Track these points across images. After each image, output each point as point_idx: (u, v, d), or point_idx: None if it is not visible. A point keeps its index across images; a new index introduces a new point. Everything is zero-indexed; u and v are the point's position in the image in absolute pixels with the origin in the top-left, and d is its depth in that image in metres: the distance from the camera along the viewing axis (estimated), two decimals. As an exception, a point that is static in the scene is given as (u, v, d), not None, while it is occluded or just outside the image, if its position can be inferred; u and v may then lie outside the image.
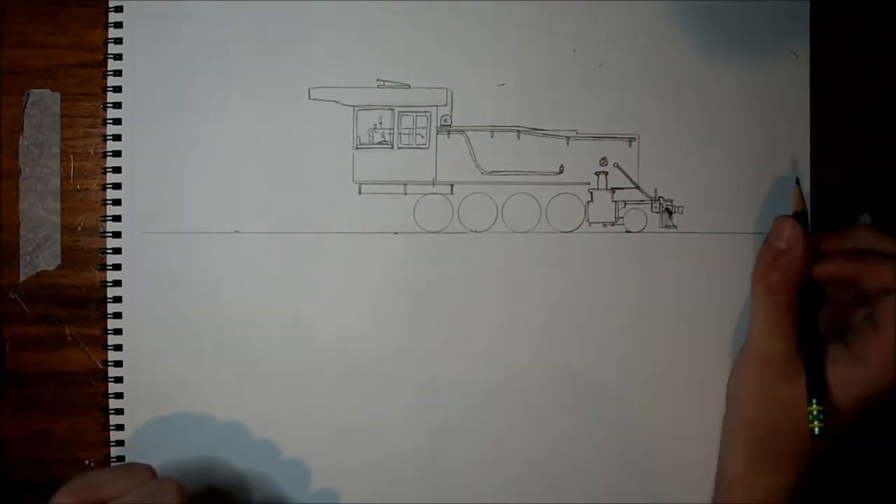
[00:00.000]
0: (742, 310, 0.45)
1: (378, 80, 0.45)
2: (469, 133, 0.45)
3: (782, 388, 0.39)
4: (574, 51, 0.45)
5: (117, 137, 0.45)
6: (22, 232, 0.46)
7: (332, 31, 0.45)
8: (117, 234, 0.45)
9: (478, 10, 0.45)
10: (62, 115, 0.45)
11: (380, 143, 0.45)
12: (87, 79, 0.45)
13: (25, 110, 0.45)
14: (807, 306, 0.40)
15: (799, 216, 0.41)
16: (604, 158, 0.46)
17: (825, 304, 0.43)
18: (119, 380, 0.45)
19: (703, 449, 0.45)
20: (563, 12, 0.45)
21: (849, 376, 0.39)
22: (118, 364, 0.45)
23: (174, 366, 0.45)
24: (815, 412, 0.38)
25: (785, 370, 0.39)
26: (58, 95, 0.45)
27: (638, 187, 0.46)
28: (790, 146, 0.45)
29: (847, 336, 0.40)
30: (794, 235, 0.40)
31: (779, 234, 0.40)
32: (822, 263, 0.40)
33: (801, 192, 0.42)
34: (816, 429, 0.37)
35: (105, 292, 0.45)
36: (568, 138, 0.45)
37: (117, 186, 0.45)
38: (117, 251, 0.45)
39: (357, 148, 0.45)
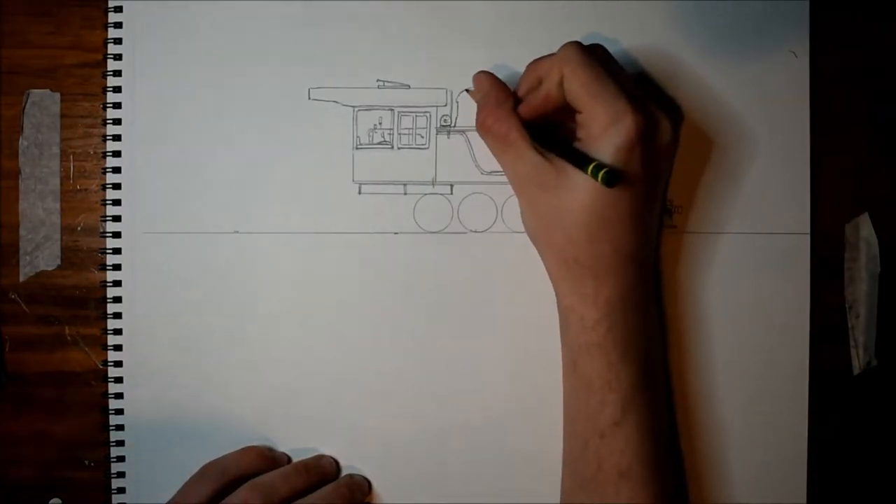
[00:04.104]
0: (741, 309, 0.45)
1: (378, 80, 0.45)
2: (469, 133, 0.45)
3: (550, 199, 0.40)
4: (574, 51, 0.45)
5: (117, 137, 0.45)
6: (22, 232, 0.46)
7: (332, 31, 0.45)
8: (117, 234, 0.45)
9: (478, 10, 0.45)
10: (62, 115, 0.45)
11: (380, 143, 0.45)
12: (86, 79, 0.45)
13: (25, 110, 0.45)
14: (534, 129, 0.41)
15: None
16: (604, 158, 0.46)
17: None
18: (119, 380, 0.45)
19: (703, 444, 0.45)
20: (563, 12, 0.45)
21: (591, 132, 0.39)
22: (118, 364, 0.45)
23: (174, 366, 0.45)
24: (589, 170, 0.37)
25: (541, 180, 0.40)
26: (57, 95, 0.45)
27: (638, 187, 0.46)
28: (790, 146, 0.45)
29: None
30: (481, 79, 0.43)
31: (475, 88, 0.44)
32: (520, 107, 0.41)
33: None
34: (601, 179, 0.37)
35: (105, 292, 0.45)
36: (568, 138, 0.45)
37: (117, 186, 0.45)
38: (117, 251, 0.45)
39: (357, 148, 0.45)
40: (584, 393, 0.41)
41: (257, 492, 0.42)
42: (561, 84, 0.39)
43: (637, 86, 0.41)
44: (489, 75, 0.43)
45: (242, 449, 0.44)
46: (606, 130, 0.38)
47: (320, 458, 0.45)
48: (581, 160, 0.39)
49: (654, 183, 0.41)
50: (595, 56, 0.40)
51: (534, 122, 0.41)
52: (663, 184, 0.44)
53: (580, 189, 0.39)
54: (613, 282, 0.40)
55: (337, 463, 0.45)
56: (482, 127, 0.42)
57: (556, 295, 0.42)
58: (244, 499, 0.41)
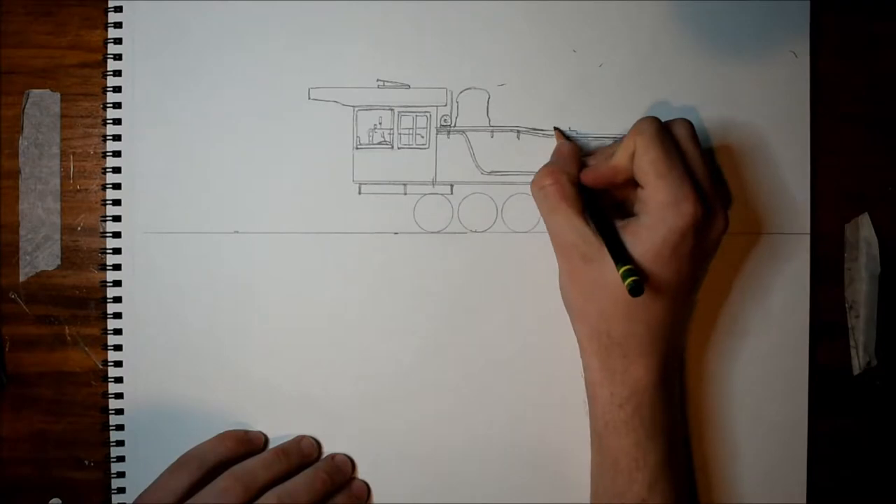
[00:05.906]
0: (742, 309, 0.45)
1: (378, 80, 0.45)
2: (469, 133, 0.45)
3: (590, 270, 0.40)
4: (574, 51, 0.45)
5: (117, 137, 0.45)
6: (22, 232, 0.46)
7: (332, 31, 0.45)
8: (117, 234, 0.45)
9: (478, 10, 0.45)
10: (62, 115, 0.46)
11: (380, 143, 0.45)
12: (86, 79, 0.45)
13: (25, 110, 0.45)
14: (589, 200, 0.41)
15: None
16: (604, 158, 0.46)
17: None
18: (119, 380, 0.45)
19: (702, 443, 0.45)
20: (562, 12, 0.45)
21: (640, 232, 0.39)
22: (118, 364, 0.45)
23: (174, 366, 0.45)
24: (622, 273, 0.37)
25: (585, 251, 0.40)
26: (58, 95, 0.45)
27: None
28: (790, 146, 0.45)
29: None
30: (559, 144, 0.43)
31: (556, 146, 0.44)
32: (583, 172, 0.42)
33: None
34: (626, 284, 0.37)
35: (105, 292, 0.45)
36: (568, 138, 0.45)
37: (117, 186, 0.45)
38: (117, 251, 0.45)
39: (357, 148, 0.45)
40: (610, 471, 0.41)
41: (237, 480, 0.41)
42: (632, 157, 0.39)
43: (708, 173, 0.40)
44: (570, 144, 0.43)
45: (219, 435, 0.44)
46: (663, 211, 0.38)
47: (300, 440, 0.45)
48: (618, 254, 0.38)
49: (695, 270, 0.41)
50: (669, 135, 0.40)
51: (594, 189, 0.41)
52: (703, 273, 0.44)
53: None
54: (644, 361, 0.40)
55: (318, 444, 0.45)
56: (537, 185, 0.42)
57: (584, 367, 0.42)
58: (224, 487, 0.41)
